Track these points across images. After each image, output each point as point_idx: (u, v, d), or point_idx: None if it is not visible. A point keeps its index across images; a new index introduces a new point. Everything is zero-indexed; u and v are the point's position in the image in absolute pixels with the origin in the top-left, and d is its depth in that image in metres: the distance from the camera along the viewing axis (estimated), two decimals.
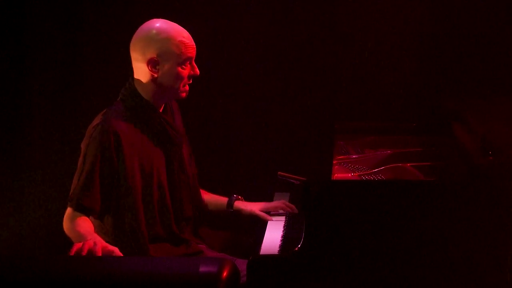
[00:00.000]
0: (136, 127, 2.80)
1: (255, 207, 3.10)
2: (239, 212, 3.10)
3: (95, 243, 2.47)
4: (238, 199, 3.12)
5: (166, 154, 2.87)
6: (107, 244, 2.53)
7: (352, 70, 3.82)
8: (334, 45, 3.82)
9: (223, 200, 3.13)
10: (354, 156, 3.14)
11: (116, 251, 2.52)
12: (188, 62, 2.81)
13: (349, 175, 2.92)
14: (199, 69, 2.86)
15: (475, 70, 3.68)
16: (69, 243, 2.64)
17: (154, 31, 2.78)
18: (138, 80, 2.83)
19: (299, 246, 2.44)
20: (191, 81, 2.86)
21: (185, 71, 2.81)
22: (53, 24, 3.83)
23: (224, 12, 3.86)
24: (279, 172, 3.10)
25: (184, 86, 2.84)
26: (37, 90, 3.86)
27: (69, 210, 2.71)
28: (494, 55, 3.67)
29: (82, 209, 2.69)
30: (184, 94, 2.86)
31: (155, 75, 2.79)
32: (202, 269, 2.27)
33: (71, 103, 3.87)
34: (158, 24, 2.81)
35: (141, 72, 2.81)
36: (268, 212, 3.10)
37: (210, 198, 3.14)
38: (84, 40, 3.85)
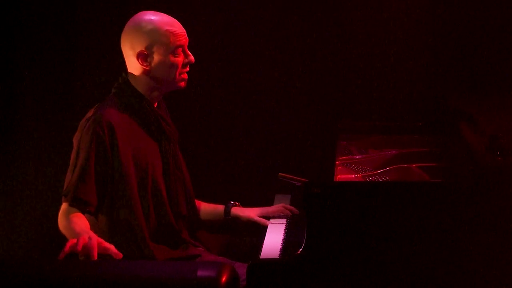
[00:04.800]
0: (130, 120, 2.79)
1: (253, 213, 3.07)
2: (237, 219, 3.08)
3: (90, 238, 2.40)
4: (235, 206, 3.10)
5: (161, 149, 2.85)
6: (103, 240, 2.46)
7: (356, 67, 3.80)
8: (338, 42, 3.80)
9: (220, 208, 3.11)
10: (357, 157, 3.13)
11: (112, 248, 2.45)
12: (180, 50, 2.80)
13: (353, 176, 2.91)
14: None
15: (483, 68, 3.65)
16: (63, 245, 2.57)
17: (140, 24, 2.78)
18: (132, 75, 2.82)
19: (300, 250, 2.41)
20: (188, 69, 2.84)
21: (179, 59, 2.80)
22: (45, 19, 3.81)
23: (225, 10, 3.84)
24: (279, 173, 3.07)
25: (180, 74, 2.82)
26: (28, 90, 3.84)
27: (64, 206, 2.66)
28: (502, 53, 3.64)
29: (78, 202, 2.64)
30: (183, 84, 2.85)
31: (147, 68, 2.78)
32: (200, 273, 2.23)
33: (63, 101, 3.84)
34: (144, 16, 2.80)
35: (133, 67, 2.81)
36: (267, 217, 3.07)
37: (206, 207, 3.12)
38: (76, 35, 3.82)
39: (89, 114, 2.76)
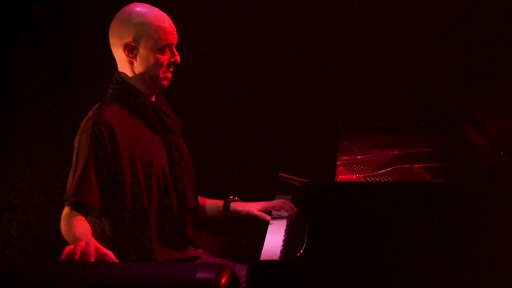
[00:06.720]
0: (130, 117, 2.76)
1: (253, 208, 3.06)
2: (236, 213, 3.06)
3: (87, 244, 2.37)
4: (235, 200, 3.08)
5: (164, 143, 2.82)
6: (101, 246, 2.44)
7: (358, 67, 3.79)
8: (339, 42, 3.79)
9: (219, 203, 3.09)
10: (359, 157, 3.12)
11: (110, 254, 2.42)
12: (167, 49, 2.76)
13: (354, 176, 2.89)
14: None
15: (486, 66, 3.64)
16: (61, 247, 2.55)
17: (131, 15, 2.74)
18: (123, 72, 2.79)
19: (301, 251, 2.39)
20: (172, 69, 2.81)
21: (164, 58, 2.76)
22: (45, 19, 3.80)
23: (226, 9, 3.83)
24: (280, 174, 3.05)
25: (164, 73, 2.79)
26: (25, 91, 3.83)
27: (66, 210, 2.63)
28: (506, 51, 3.63)
29: (80, 206, 2.61)
30: (165, 83, 2.81)
31: (132, 61, 2.74)
32: (199, 275, 2.21)
33: (61, 103, 3.84)
34: (137, 8, 2.76)
35: (121, 60, 2.78)
36: (267, 212, 3.06)
37: (205, 203, 3.10)
38: (73, 36, 3.82)
39: (89, 115, 2.73)
